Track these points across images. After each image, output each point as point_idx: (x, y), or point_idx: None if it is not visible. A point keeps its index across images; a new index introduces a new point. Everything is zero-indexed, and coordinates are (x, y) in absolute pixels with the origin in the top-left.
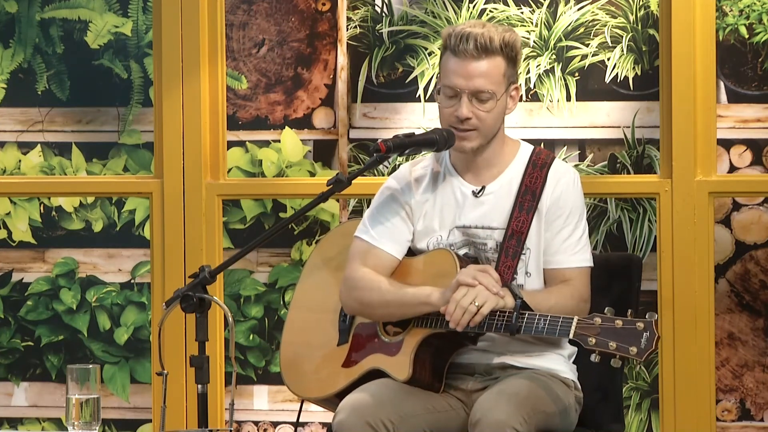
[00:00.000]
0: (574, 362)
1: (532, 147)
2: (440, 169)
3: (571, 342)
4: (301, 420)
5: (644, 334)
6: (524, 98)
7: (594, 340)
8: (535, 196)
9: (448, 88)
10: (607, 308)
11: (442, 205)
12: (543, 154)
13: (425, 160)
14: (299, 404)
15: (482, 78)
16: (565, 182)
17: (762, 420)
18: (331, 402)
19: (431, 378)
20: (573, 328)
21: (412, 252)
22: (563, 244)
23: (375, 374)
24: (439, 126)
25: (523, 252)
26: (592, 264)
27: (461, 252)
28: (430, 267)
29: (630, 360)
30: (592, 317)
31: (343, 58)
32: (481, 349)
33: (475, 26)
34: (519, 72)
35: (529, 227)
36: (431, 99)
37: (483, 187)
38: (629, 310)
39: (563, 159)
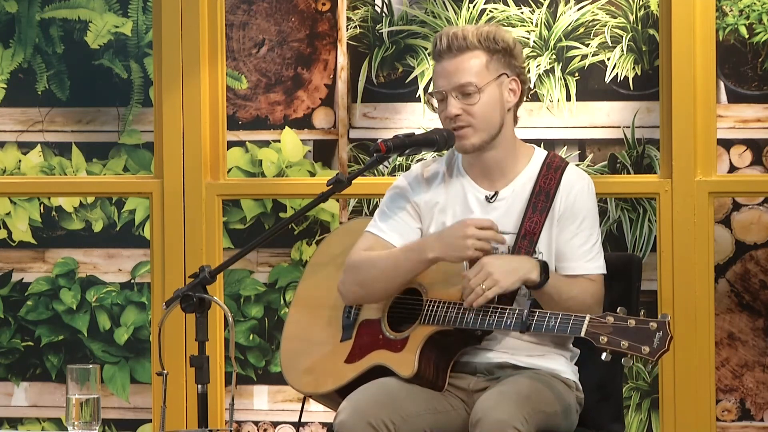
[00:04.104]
0: (575, 363)
1: (546, 152)
2: (452, 172)
3: (582, 340)
4: (301, 420)
5: (657, 333)
6: (525, 98)
7: (606, 339)
8: (549, 197)
9: (437, 93)
10: (619, 308)
11: (453, 208)
12: (557, 158)
13: (437, 162)
14: (301, 403)
15: (461, 73)
16: (579, 188)
17: (762, 420)
18: (331, 398)
19: (435, 376)
20: (585, 326)
21: None
22: (578, 250)
23: (378, 370)
24: (440, 126)
25: (535, 254)
26: (605, 271)
27: None
28: (440, 265)
29: (641, 359)
30: (604, 316)
31: (343, 58)
32: (483, 348)
33: (450, 28)
34: (519, 65)
35: (542, 228)
36: None
37: (496, 193)
38: (642, 310)
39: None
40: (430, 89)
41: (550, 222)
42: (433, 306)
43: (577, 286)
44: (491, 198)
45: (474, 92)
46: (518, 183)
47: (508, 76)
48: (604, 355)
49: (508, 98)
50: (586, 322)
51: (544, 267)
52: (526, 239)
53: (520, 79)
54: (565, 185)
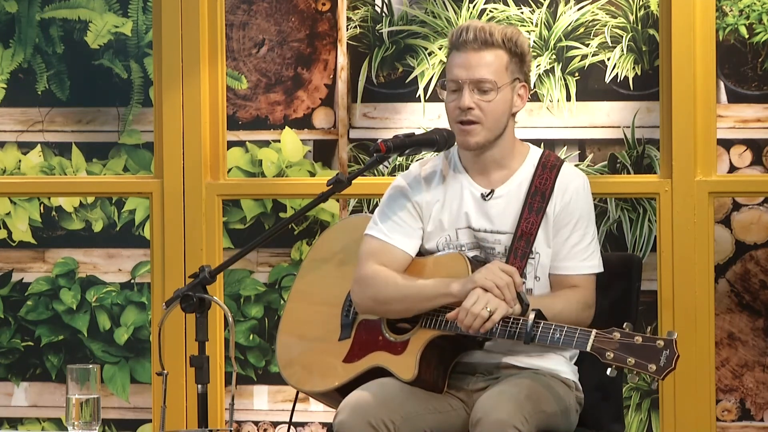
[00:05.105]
0: (575, 363)
1: (541, 150)
2: (449, 168)
3: (586, 354)
4: (301, 420)
5: (664, 352)
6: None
7: (612, 355)
8: (545, 197)
9: (452, 82)
10: (625, 323)
11: (450, 206)
12: (552, 156)
13: (434, 160)
14: (294, 402)
15: (483, 68)
16: (574, 187)
17: (762, 420)
18: (329, 396)
19: (435, 379)
20: (591, 341)
21: (421, 252)
22: (572, 250)
23: (377, 372)
24: (440, 126)
25: (532, 256)
26: (601, 269)
27: (470, 254)
28: (441, 269)
29: (647, 377)
30: (611, 331)
31: (343, 58)
32: (484, 349)
33: (476, 21)
34: (528, 72)
35: (538, 229)
36: (431, 99)
37: (492, 191)
38: (648, 328)
39: (564, 159)
40: (434, 82)
41: (546, 222)
42: (436, 310)
43: (560, 300)
44: (487, 196)
45: (491, 89)
46: (514, 182)
47: (520, 81)
48: (609, 371)
49: (516, 103)
50: (591, 337)
51: (520, 297)
52: (523, 240)
53: (528, 86)
54: (561, 185)
